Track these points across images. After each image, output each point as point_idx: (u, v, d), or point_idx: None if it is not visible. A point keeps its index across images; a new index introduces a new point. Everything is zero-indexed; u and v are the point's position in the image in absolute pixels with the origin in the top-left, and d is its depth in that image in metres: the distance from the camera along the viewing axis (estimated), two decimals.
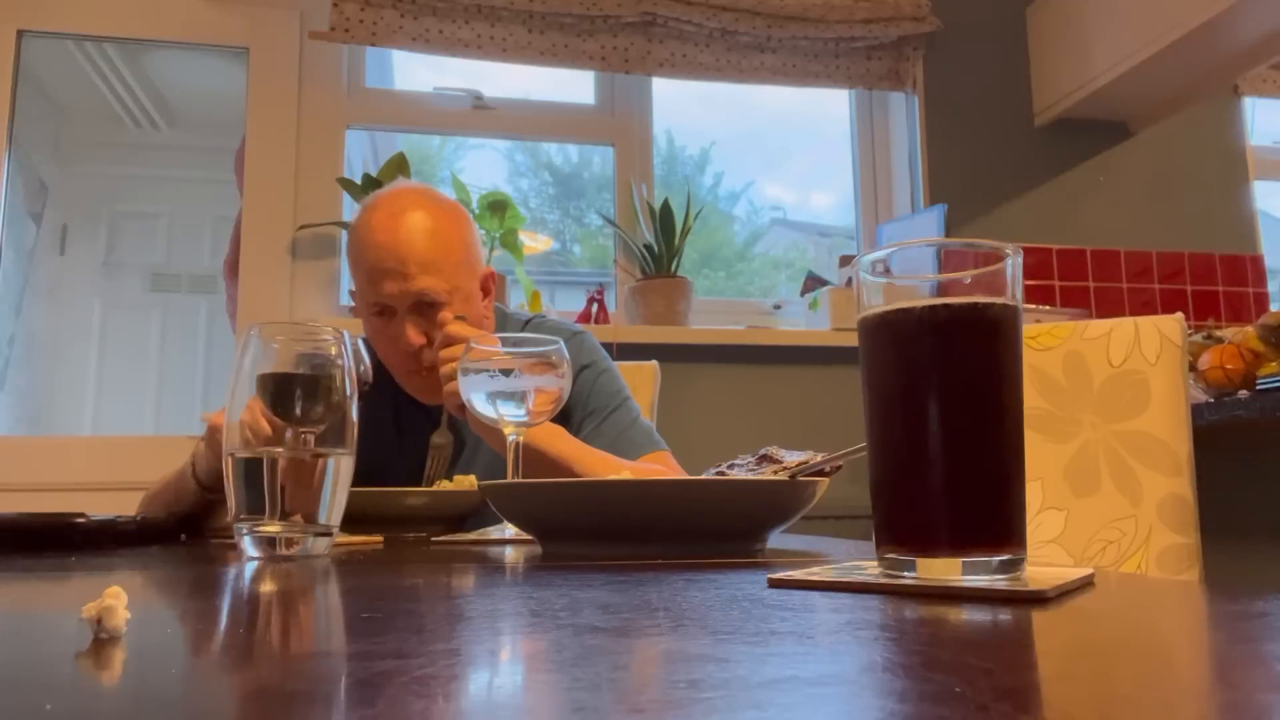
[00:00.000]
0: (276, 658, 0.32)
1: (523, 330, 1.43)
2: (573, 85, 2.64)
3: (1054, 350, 1.37)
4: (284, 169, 2.33)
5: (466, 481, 1.08)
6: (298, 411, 0.74)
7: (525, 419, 0.98)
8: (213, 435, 1.12)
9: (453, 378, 1.15)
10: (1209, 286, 2.71)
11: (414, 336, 1.25)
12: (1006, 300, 0.49)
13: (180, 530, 1.08)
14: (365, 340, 1.29)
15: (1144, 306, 2.62)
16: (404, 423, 1.37)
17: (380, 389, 1.35)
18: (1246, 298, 2.72)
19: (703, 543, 0.70)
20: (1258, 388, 1.90)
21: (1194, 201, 2.75)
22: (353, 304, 2.33)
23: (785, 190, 3.21)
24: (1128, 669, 0.29)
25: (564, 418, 1.31)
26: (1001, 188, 2.61)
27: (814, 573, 0.49)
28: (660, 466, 1.27)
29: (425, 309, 1.25)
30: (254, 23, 2.38)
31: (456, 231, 1.30)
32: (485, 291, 1.36)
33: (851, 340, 2.03)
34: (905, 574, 0.47)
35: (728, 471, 0.83)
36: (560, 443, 1.16)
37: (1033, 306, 2.38)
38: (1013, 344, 0.49)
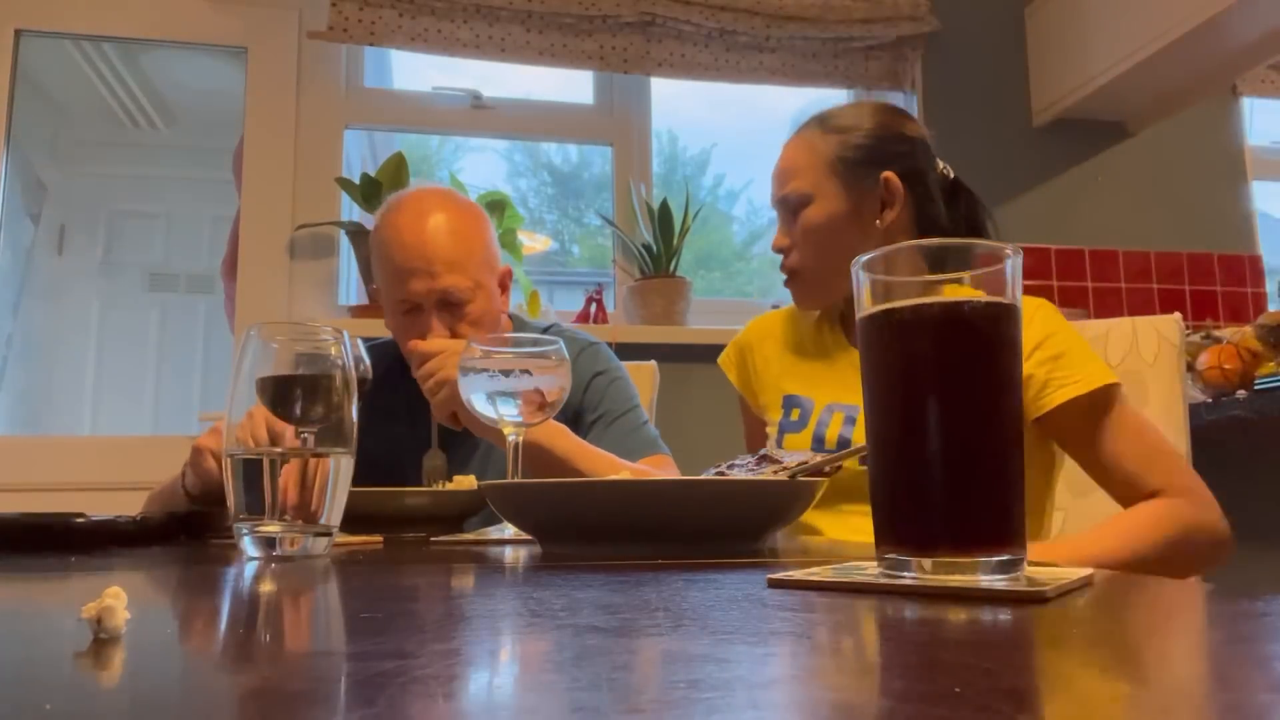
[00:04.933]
0: (276, 658, 0.32)
1: None
2: (571, 85, 2.64)
3: None
4: (282, 169, 2.33)
5: (466, 481, 1.08)
6: (298, 412, 0.74)
7: (525, 419, 0.98)
8: (196, 457, 1.13)
9: (436, 391, 1.17)
10: (1207, 286, 2.71)
11: (440, 333, 1.29)
12: (1006, 300, 0.49)
13: (180, 530, 1.08)
14: (363, 340, 1.30)
15: (1142, 306, 2.62)
16: (416, 416, 1.39)
17: (393, 383, 1.37)
18: (1245, 298, 2.73)
19: (703, 543, 0.70)
20: (1256, 388, 1.90)
21: (1192, 201, 2.75)
22: (353, 304, 2.33)
23: None
24: (1127, 669, 0.29)
25: (575, 421, 1.33)
26: (1000, 188, 2.61)
27: (814, 573, 0.49)
28: (653, 468, 1.28)
29: (451, 306, 1.30)
30: (252, 23, 2.38)
31: (477, 231, 1.36)
32: (503, 288, 1.41)
33: None
34: (905, 574, 0.47)
35: (728, 471, 0.83)
36: (563, 440, 1.18)
37: None
38: (1013, 344, 0.49)
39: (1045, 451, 1.16)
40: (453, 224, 1.32)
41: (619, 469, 1.11)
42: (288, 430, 0.75)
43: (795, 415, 1.24)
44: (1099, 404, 1.06)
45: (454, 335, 1.29)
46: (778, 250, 1.25)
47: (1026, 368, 1.13)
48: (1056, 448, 1.16)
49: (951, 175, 1.27)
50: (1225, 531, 1.04)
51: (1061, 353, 1.09)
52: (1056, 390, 1.07)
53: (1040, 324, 1.12)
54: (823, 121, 1.24)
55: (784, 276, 1.26)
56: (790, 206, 1.22)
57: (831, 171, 1.20)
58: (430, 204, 1.34)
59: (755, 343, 1.38)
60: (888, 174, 1.19)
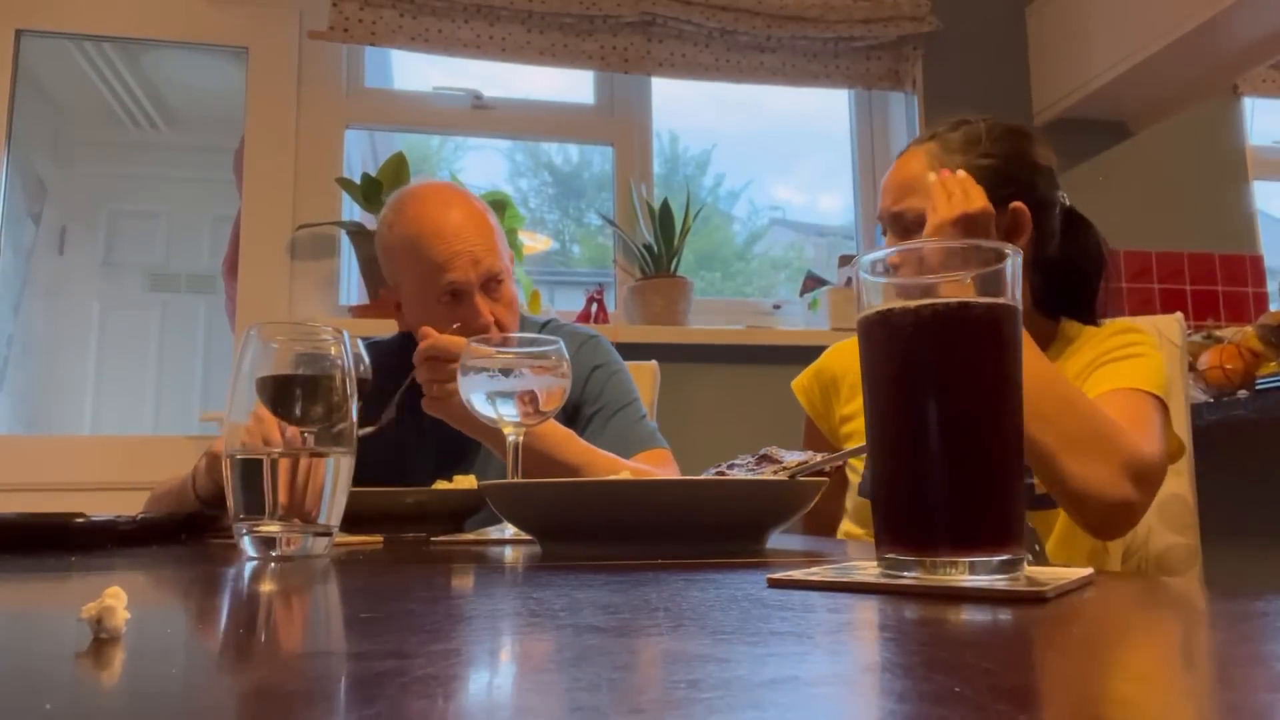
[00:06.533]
0: (276, 658, 0.32)
1: (540, 332, 1.45)
2: (572, 85, 2.64)
3: None
4: (283, 169, 2.33)
5: (466, 481, 1.08)
6: (297, 412, 0.74)
7: (524, 419, 0.98)
8: (213, 463, 1.11)
9: (435, 391, 1.15)
10: (1208, 286, 2.71)
11: (487, 313, 1.32)
12: (1006, 300, 0.49)
13: (180, 530, 1.08)
14: (363, 340, 1.30)
15: (1143, 306, 2.62)
16: (417, 415, 1.39)
17: (393, 383, 1.37)
18: (1246, 298, 2.73)
19: (703, 543, 0.70)
20: (1257, 388, 1.91)
21: (1193, 201, 2.75)
22: (353, 304, 2.33)
23: (791, 191, 3.21)
24: (1128, 669, 0.29)
25: (574, 414, 1.33)
26: None
27: (814, 573, 0.49)
28: (652, 467, 1.29)
29: (491, 286, 1.34)
30: (253, 22, 2.38)
31: (490, 218, 1.41)
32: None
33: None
34: (905, 574, 0.47)
35: (728, 471, 0.83)
36: (570, 448, 1.18)
37: None
38: (1013, 344, 0.49)
39: None
40: (471, 211, 1.37)
41: (621, 470, 1.11)
42: (297, 435, 0.75)
43: None
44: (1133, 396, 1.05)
45: (494, 317, 1.33)
46: None
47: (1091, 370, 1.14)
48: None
49: (1067, 203, 1.21)
50: (1133, 497, 0.98)
51: (1131, 355, 1.10)
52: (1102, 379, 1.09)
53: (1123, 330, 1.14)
54: (948, 138, 1.17)
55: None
56: (905, 224, 1.15)
57: None
58: (447, 195, 1.38)
59: (840, 372, 1.37)
60: (1018, 204, 1.13)
